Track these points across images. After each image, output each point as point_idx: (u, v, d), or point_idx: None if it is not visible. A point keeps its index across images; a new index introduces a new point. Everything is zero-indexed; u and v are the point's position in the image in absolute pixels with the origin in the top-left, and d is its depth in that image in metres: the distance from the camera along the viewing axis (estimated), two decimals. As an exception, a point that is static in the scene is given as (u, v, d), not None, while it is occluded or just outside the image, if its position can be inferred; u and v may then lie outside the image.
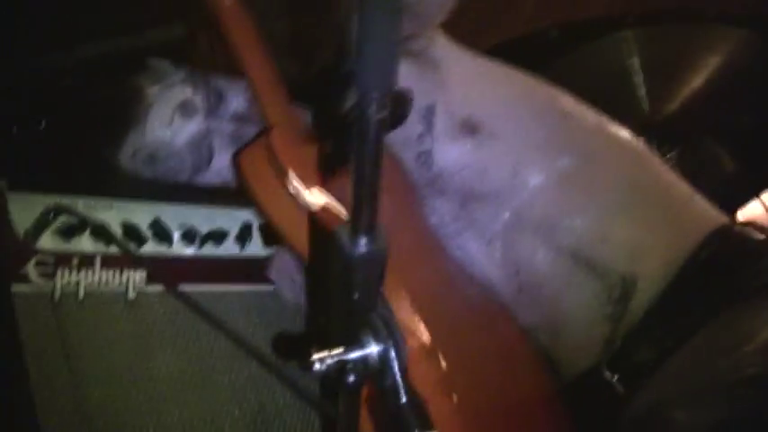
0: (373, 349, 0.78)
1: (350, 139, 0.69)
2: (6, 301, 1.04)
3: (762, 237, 1.41)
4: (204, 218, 1.26)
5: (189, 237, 1.24)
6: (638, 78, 2.10)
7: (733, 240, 1.39)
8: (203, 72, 1.43)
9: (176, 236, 1.23)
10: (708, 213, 1.40)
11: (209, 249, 1.26)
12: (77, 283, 1.12)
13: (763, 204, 1.63)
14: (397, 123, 1.24)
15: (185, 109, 1.36)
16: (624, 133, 1.44)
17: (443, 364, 1.15)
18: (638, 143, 1.45)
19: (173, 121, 1.34)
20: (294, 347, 1.24)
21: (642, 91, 2.09)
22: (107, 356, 1.13)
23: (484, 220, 1.40)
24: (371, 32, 0.62)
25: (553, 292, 1.39)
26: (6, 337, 1.04)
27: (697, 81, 2.07)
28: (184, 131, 1.36)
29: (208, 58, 2.00)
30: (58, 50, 1.91)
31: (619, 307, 1.35)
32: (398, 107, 1.24)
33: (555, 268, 1.38)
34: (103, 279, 1.14)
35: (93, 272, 1.14)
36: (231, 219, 1.29)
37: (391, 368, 0.77)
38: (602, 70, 2.06)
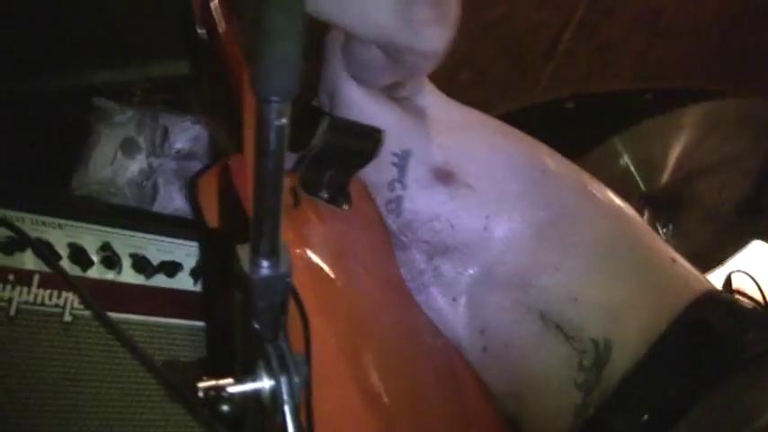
0: (265, 384, 0.72)
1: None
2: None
3: (749, 305, 1.36)
4: (158, 248, 1.21)
5: (139, 266, 1.19)
6: (632, 170, 2.23)
7: (719, 308, 1.33)
8: (153, 110, 1.45)
9: (126, 264, 1.18)
10: (693, 279, 1.35)
11: (160, 280, 1.21)
12: (10, 300, 1.07)
13: (748, 274, 1.56)
14: (367, 160, 1.22)
15: (128, 148, 1.37)
16: (607, 193, 1.40)
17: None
18: (622, 204, 1.40)
19: (115, 159, 1.33)
20: (190, 375, 1.19)
21: (637, 177, 2.23)
22: (33, 379, 1.08)
23: (450, 275, 1.34)
24: (269, 30, 0.58)
25: (520, 355, 1.32)
26: None
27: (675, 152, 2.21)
28: (126, 170, 1.36)
29: (208, 96, 1.99)
30: (56, 75, 1.91)
31: (591, 374, 1.27)
32: (369, 143, 1.21)
33: (522, 328, 1.31)
34: (39, 298, 1.10)
35: (30, 289, 1.09)
36: (187, 251, 1.24)
37: (281, 405, 0.71)
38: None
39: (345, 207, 1.21)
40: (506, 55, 2.38)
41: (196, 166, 1.38)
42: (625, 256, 1.34)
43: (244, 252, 0.70)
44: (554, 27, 2.21)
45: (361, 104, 1.26)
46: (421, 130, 1.32)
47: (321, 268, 1.14)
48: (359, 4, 1.07)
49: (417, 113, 1.34)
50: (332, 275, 1.15)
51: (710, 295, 1.32)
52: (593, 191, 1.39)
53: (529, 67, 2.50)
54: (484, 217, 1.31)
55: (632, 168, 2.21)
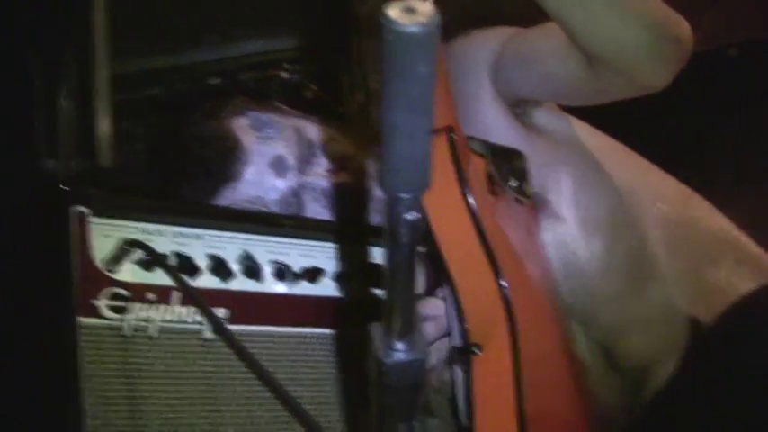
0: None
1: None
2: (71, 336, 0.99)
3: None
4: (299, 253, 1.18)
5: (281, 273, 1.16)
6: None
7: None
8: (296, 119, 1.44)
9: (267, 271, 1.16)
10: (739, 282, 1.28)
11: (303, 288, 1.18)
12: (150, 319, 1.06)
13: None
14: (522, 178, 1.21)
15: (278, 167, 1.35)
16: (693, 211, 1.36)
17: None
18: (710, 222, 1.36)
19: (266, 180, 1.33)
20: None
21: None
22: (173, 397, 1.07)
23: None
24: (396, 130, 0.52)
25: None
26: (66, 375, 0.99)
27: None
28: (276, 189, 1.35)
29: (358, 65, 1.95)
30: (202, 48, 1.90)
31: (632, 398, 1.29)
32: (517, 164, 1.21)
33: (596, 367, 1.31)
34: (179, 316, 1.08)
35: (170, 308, 1.07)
36: (329, 255, 1.20)
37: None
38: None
39: (527, 201, 1.21)
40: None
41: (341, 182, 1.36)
42: (678, 279, 1.30)
43: (377, 332, 0.65)
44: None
45: (496, 122, 1.24)
46: (530, 151, 1.28)
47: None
48: (611, 26, 1.09)
49: (531, 131, 1.34)
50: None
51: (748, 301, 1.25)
52: (676, 212, 1.35)
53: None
54: (568, 251, 1.29)
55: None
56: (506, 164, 1.22)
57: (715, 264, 1.30)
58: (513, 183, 1.21)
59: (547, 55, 1.21)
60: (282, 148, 1.37)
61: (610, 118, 1.36)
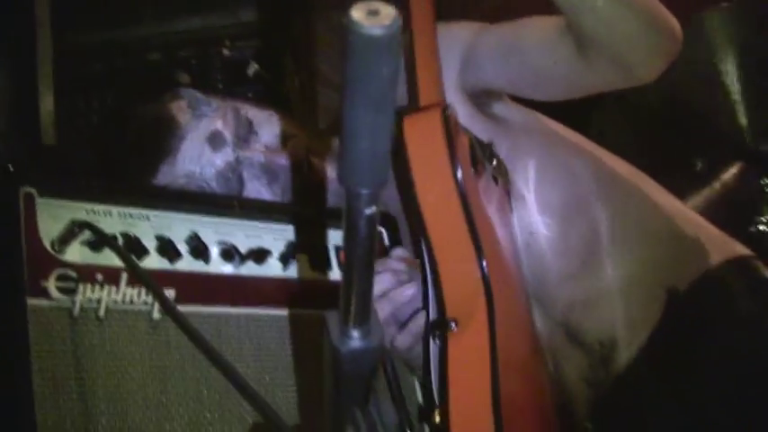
0: (353, 451, 0.70)
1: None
2: (20, 317, 1.00)
3: None
4: (246, 234, 1.19)
5: (228, 254, 1.17)
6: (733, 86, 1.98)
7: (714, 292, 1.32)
8: (234, 101, 1.43)
9: (214, 252, 1.16)
10: (698, 261, 1.33)
11: (249, 269, 1.19)
12: (99, 300, 1.06)
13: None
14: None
15: (214, 141, 1.35)
16: (650, 201, 1.39)
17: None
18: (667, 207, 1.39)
19: (202, 154, 1.32)
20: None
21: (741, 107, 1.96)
22: (122, 378, 1.07)
23: None
24: (357, 127, 0.53)
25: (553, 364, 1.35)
26: (16, 356, 0.99)
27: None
28: (213, 164, 1.34)
29: (302, 40, 1.95)
30: (143, 23, 1.89)
31: (600, 372, 1.31)
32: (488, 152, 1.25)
33: (554, 342, 1.35)
34: (128, 297, 1.09)
35: (118, 288, 1.08)
36: (276, 236, 1.21)
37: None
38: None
39: (502, 181, 1.25)
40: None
41: (281, 162, 1.36)
42: (635, 250, 1.34)
43: (333, 320, 0.67)
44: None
45: (459, 110, 1.25)
46: (492, 138, 1.31)
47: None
48: (615, 16, 1.14)
49: (489, 120, 1.37)
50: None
51: (706, 278, 1.31)
52: (633, 193, 1.39)
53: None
54: (528, 233, 1.33)
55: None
56: (481, 147, 1.25)
57: (677, 239, 1.34)
58: (494, 161, 1.24)
59: (534, 46, 1.24)
60: (219, 124, 1.38)
61: (562, 111, 1.39)
